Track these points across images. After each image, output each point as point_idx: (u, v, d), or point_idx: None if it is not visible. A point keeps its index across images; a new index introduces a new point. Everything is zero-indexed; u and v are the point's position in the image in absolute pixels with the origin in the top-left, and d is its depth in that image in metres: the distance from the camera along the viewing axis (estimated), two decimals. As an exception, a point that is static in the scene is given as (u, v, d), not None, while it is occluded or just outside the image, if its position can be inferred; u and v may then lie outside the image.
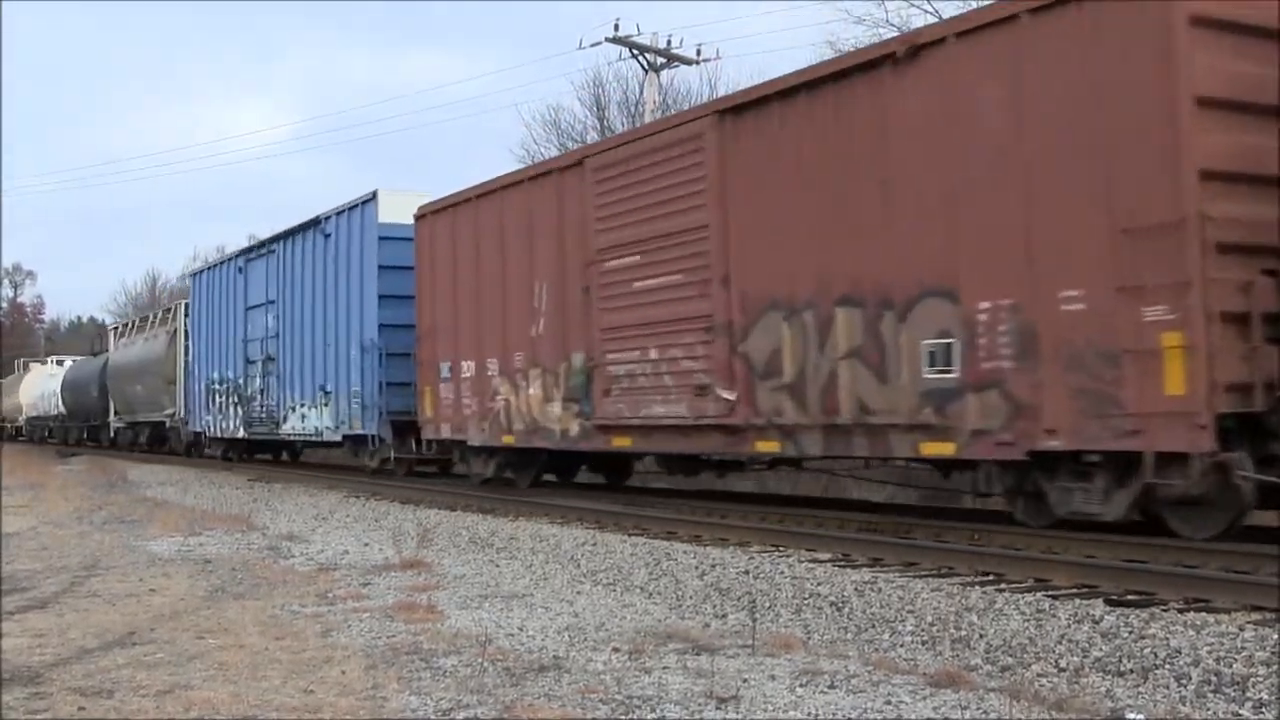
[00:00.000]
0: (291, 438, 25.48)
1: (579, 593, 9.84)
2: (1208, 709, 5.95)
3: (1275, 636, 6.77)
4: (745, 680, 6.61)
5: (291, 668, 7.07)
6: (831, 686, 6.48)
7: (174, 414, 33.73)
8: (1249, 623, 7.22)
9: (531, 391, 16.30)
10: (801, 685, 6.51)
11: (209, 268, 31.24)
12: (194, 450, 33.06)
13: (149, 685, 6.72)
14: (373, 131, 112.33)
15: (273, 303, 25.42)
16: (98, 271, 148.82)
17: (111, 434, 43.10)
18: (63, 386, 50.77)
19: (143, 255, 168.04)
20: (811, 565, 10.17)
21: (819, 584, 9.22)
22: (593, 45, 30.13)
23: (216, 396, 29.26)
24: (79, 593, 10.37)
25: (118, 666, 7.26)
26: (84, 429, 48.54)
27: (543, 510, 15.58)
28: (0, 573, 11.54)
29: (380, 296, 20.53)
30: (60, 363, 59.81)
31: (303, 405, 23.64)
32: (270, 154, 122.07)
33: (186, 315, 32.86)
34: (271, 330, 25.44)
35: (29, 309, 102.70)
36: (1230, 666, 6.35)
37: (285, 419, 24.60)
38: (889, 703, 6.14)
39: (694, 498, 16.29)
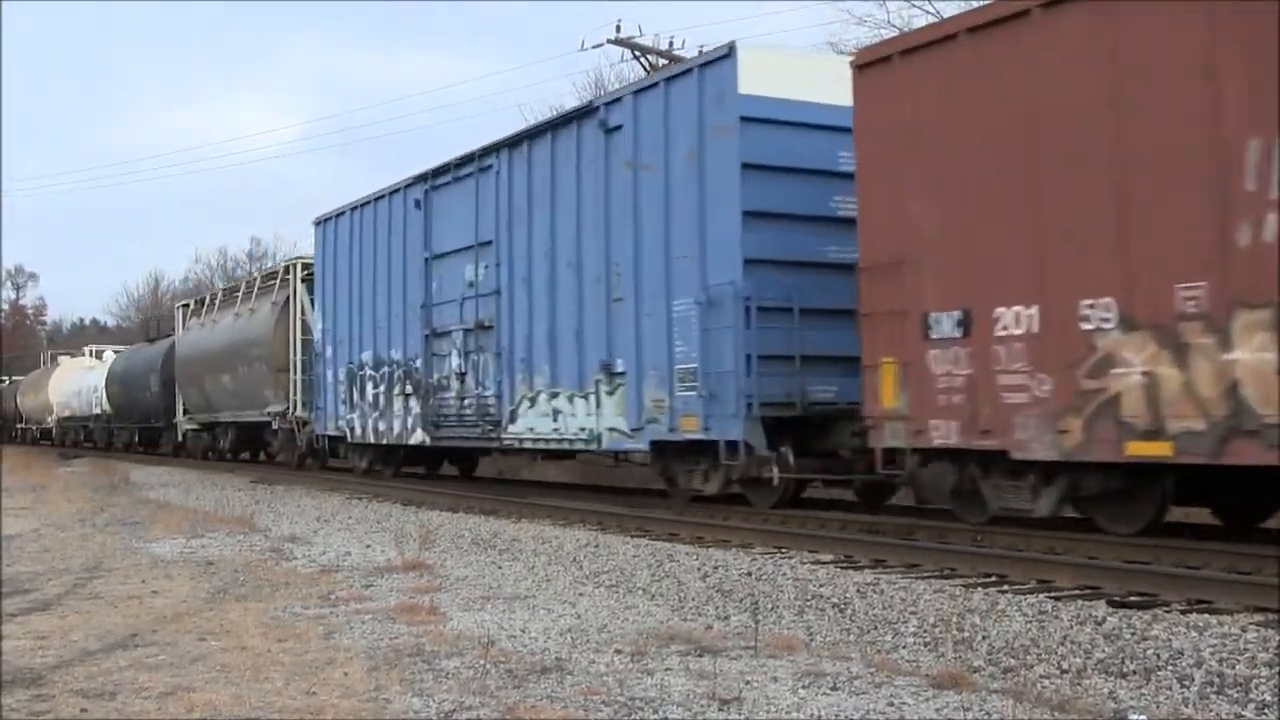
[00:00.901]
0: (528, 443, 17.00)
1: (581, 594, 9.84)
2: (1210, 710, 5.94)
3: (1278, 638, 6.77)
4: (748, 682, 6.61)
5: (294, 669, 7.07)
6: (834, 688, 6.48)
7: (284, 412, 26.16)
8: (1251, 624, 7.22)
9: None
10: (804, 687, 6.50)
11: (353, 208, 22.42)
12: (314, 459, 25.98)
13: (151, 687, 6.72)
14: (378, 132, 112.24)
15: (488, 244, 17.68)
16: (99, 274, 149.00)
17: (179, 437, 35.75)
18: (108, 380, 43.65)
19: (145, 257, 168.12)
20: (814, 567, 10.17)
21: (821, 585, 9.22)
22: (595, 46, 30.06)
23: (367, 387, 21.37)
24: (81, 594, 10.37)
25: (120, 668, 7.26)
26: (137, 431, 41.34)
27: (545, 512, 15.58)
28: (0, 575, 11.55)
29: (745, 215, 13.13)
30: (99, 355, 53.31)
31: (551, 396, 16.19)
32: (274, 155, 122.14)
33: (305, 278, 25.39)
34: (486, 285, 17.73)
35: (30, 311, 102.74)
36: (1233, 668, 6.35)
37: (513, 417, 17.02)
38: (891, 704, 6.13)
39: (695, 500, 16.28)
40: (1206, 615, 7.55)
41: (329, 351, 23.30)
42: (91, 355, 55.04)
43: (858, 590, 8.92)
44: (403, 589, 10.15)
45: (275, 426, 27.06)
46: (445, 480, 23.48)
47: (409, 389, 19.91)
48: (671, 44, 29.89)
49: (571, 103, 47.96)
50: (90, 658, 7.61)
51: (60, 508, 19.96)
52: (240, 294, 30.15)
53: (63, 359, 60.17)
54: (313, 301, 24.80)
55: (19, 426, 62.72)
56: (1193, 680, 6.31)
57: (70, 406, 51.27)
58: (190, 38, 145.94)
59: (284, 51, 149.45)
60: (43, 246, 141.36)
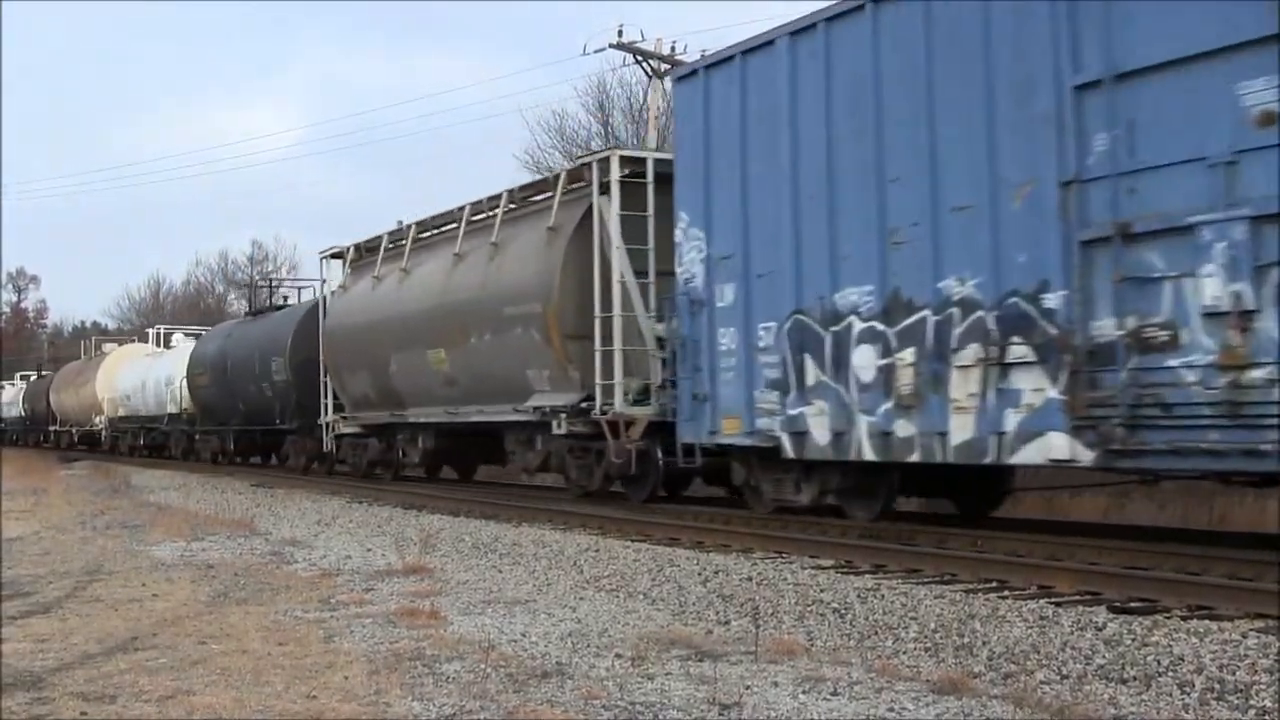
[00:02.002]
0: None
1: (582, 599, 9.84)
2: (1211, 717, 5.93)
3: (1278, 644, 6.76)
4: (748, 687, 6.60)
5: (294, 673, 7.07)
6: (834, 693, 6.48)
7: (578, 404, 16.19)
8: (1252, 630, 7.22)
9: None
10: (804, 692, 6.50)
11: (800, 30, 12.73)
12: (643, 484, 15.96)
13: (151, 690, 6.72)
14: (382, 136, 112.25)
15: None
16: (101, 277, 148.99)
17: (328, 446, 24.43)
18: (193, 368, 33.34)
19: (146, 260, 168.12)
20: (814, 572, 10.17)
21: (822, 590, 9.22)
22: (597, 51, 30.04)
23: (853, 353, 12.05)
24: (81, 598, 10.37)
25: (120, 671, 7.25)
26: (240, 436, 30.99)
27: (546, 516, 15.58)
28: (0, 577, 11.55)
29: None
30: (166, 340, 45.09)
31: None
32: (278, 159, 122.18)
33: (655, 177, 15.56)
34: None
35: (31, 314, 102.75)
36: (1233, 674, 6.34)
37: None
38: (892, 709, 6.13)
39: (697, 503, 16.29)
40: (1207, 621, 7.54)
41: (728, 296, 13.60)
42: (157, 340, 46.41)
43: (858, 595, 8.92)
44: (403, 593, 10.14)
45: (559, 429, 16.38)
46: (446, 484, 23.49)
47: (1013, 350, 10.44)
48: (673, 48, 29.92)
49: (574, 108, 47.64)
50: (90, 661, 7.61)
51: (61, 511, 19.97)
52: (461, 226, 19.27)
53: (108, 346, 52.06)
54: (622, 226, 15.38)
55: (52, 429, 55.19)
56: (1193, 686, 6.30)
57: (129, 404, 42.16)
58: (196, 41, 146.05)
59: (287, 55, 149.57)
60: (44, 249, 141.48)
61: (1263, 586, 8.21)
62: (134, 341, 53.78)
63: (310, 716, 6.12)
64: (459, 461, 23.92)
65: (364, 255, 23.82)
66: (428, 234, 21.25)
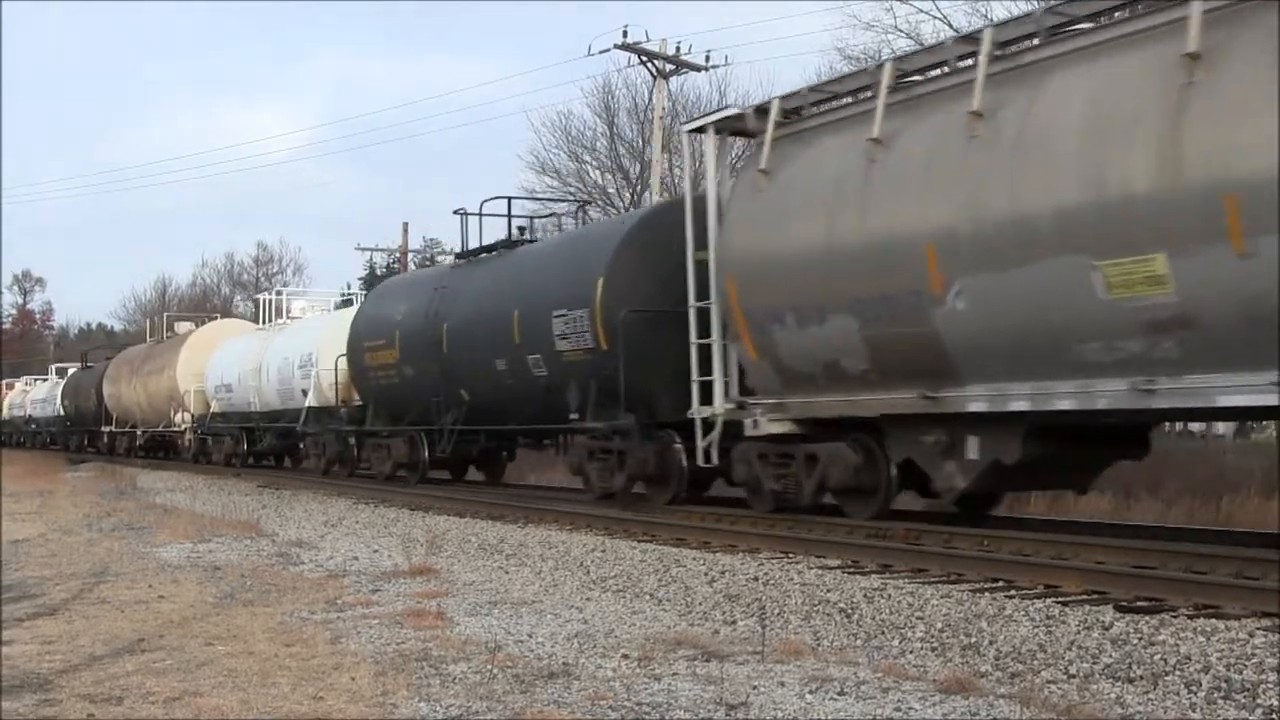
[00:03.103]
0: None
1: (588, 599, 9.84)
2: (1218, 716, 5.93)
3: (1286, 643, 6.75)
4: (755, 687, 6.60)
5: (301, 674, 7.08)
6: (841, 693, 6.47)
7: None
8: (1259, 629, 7.21)
9: None
10: (811, 692, 6.50)
11: None
12: None
13: (158, 692, 6.72)
14: (387, 137, 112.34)
15: None
16: (108, 279, 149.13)
17: (706, 458, 14.22)
18: (364, 339, 22.68)
19: (152, 262, 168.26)
20: (821, 572, 10.17)
21: (828, 591, 9.21)
22: (602, 52, 30.08)
23: None
24: (88, 599, 10.38)
25: (127, 673, 7.26)
26: (471, 443, 20.67)
27: (552, 517, 15.58)
28: (1, 579, 11.57)
29: None
30: (278, 312, 33.17)
31: None
32: (284, 160, 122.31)
33: None
34: None
35: (38, 316, 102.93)
36: (1240, 673, 6.33)
37: None
38: (898, 709, 6.13)
39: (704, 504, 16.28)
40: (1214, 620, 7.53)
41: None
42: (265, 312, 34.11)
43: (865, 595, 8.91)
44: (409, 594, 10.15)
45: None
46: (451, 485, 23.50)
47: None
48: (678, 49, 29.95)
49: (579, 108, 47.69)
50: (97, 662, 7.62)
51: (67, 512, 19.99)
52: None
53: (183, 325, 41.61)
54: None
55: (107, 431, 44.70)
56: (1200, 685, 6.29)
57: (228, 398, 31.91)
58: (201, 42, 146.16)
59: (295, 57, 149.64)
60: (50, 251, 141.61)
61: (1269, 585, 8.20)
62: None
63: (317, 718, 6.13)
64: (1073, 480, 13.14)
65: (788, 121, 13.67)
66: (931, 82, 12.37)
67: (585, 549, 12.31)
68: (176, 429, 36.75)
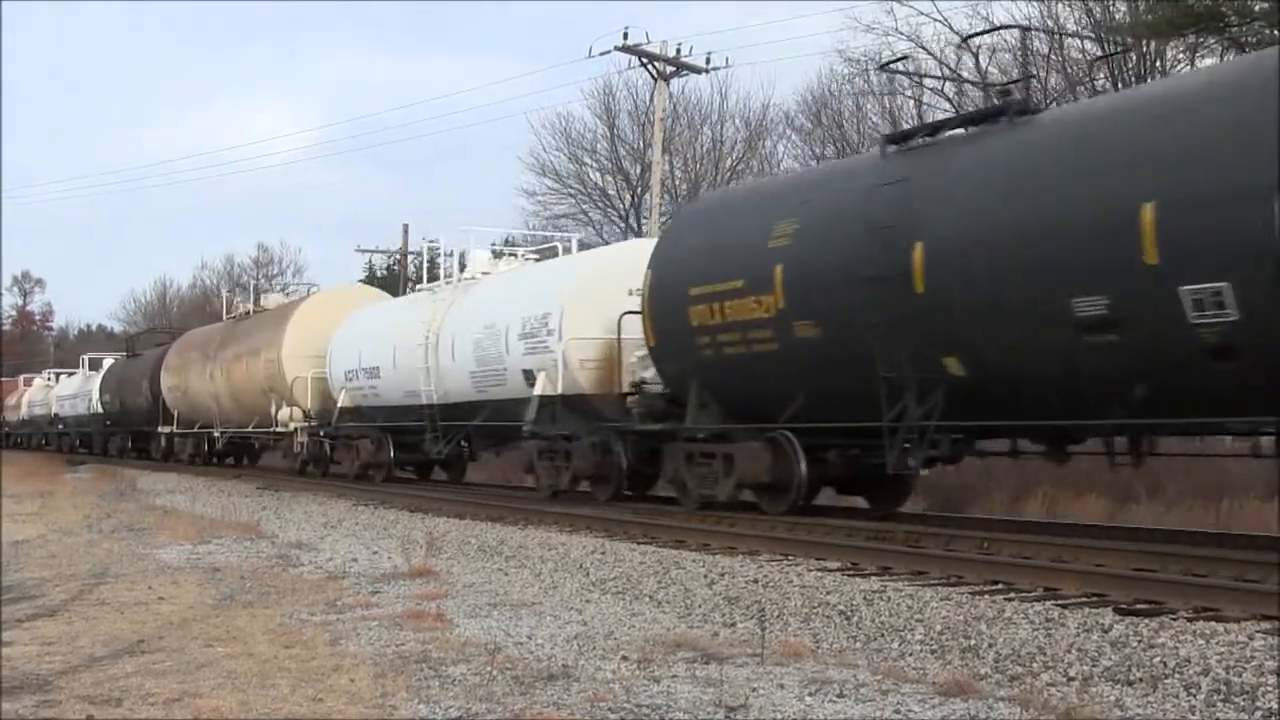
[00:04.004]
0: None
1: (588, 601, 9.84)
2: (1217, 718, 5.93)
3: (1285, 646, 6.74)
4: (754, 689, 6.60)
5: (300, 676, 7.08)
6: (840, 695, 6.48)
7: None
8: (1258, 632, 7.21)
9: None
10: (810, 694, 6.50)
11: None
12: None
13: (158, 693, 6.72)
14: (388, 139, 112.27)
15: None
16: (108, 280, 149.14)
17: None
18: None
19: (153, 264, 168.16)
20: (820, 574, 10.17)
21: (828, 593, 9.21)
22: (602, 54, 30.06)
23: None
24: (88, 600, 10.38)
25: (126, 674, 7.26)
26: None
27: (551, 519, 15.58)
28: (1, 580, 11.57)
29: None
30: (454, 271, 23.42)
31: None
32: (285, 162, 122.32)
33: None
34: None
35: (38, 317, 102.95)
36: (1240, 676, 6.34)
37: None
38: (898, 712, 6.13)
39: (702, 506, 16.28)
40: (1213, 623, 7.54)
41: None
42: (452, 272, 23.35)
43: (864, 598, 8.91)
44: (409, 595, 10.15)
45: None
46: (450, 486, 23.49)
47: None
48: (679, 51, 29.95)
49: (579, 110, 47.75)
50: (97, 664, 7.62)
51: (67, 514, 19.99)
52: None
53: (273, 298, 34.17)
54: None
55: (166, 433, 36.91)
56: (1199, 688, 6.30)
57: (371, 388, 23.77)
58: (201, 43, 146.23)
59: (295, 58, 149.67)
60: (49, 252, 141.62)
61: (1269, 588, 8.20)
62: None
63: (316, 719, 6.13)
64: None
65: None
66: None
67: (584, 551, 12.31)
68: (279, 429, 27.52)
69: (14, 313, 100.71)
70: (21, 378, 69.46)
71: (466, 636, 8.23)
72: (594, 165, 44.55)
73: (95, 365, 51.12)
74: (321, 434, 26.27)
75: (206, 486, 26.60)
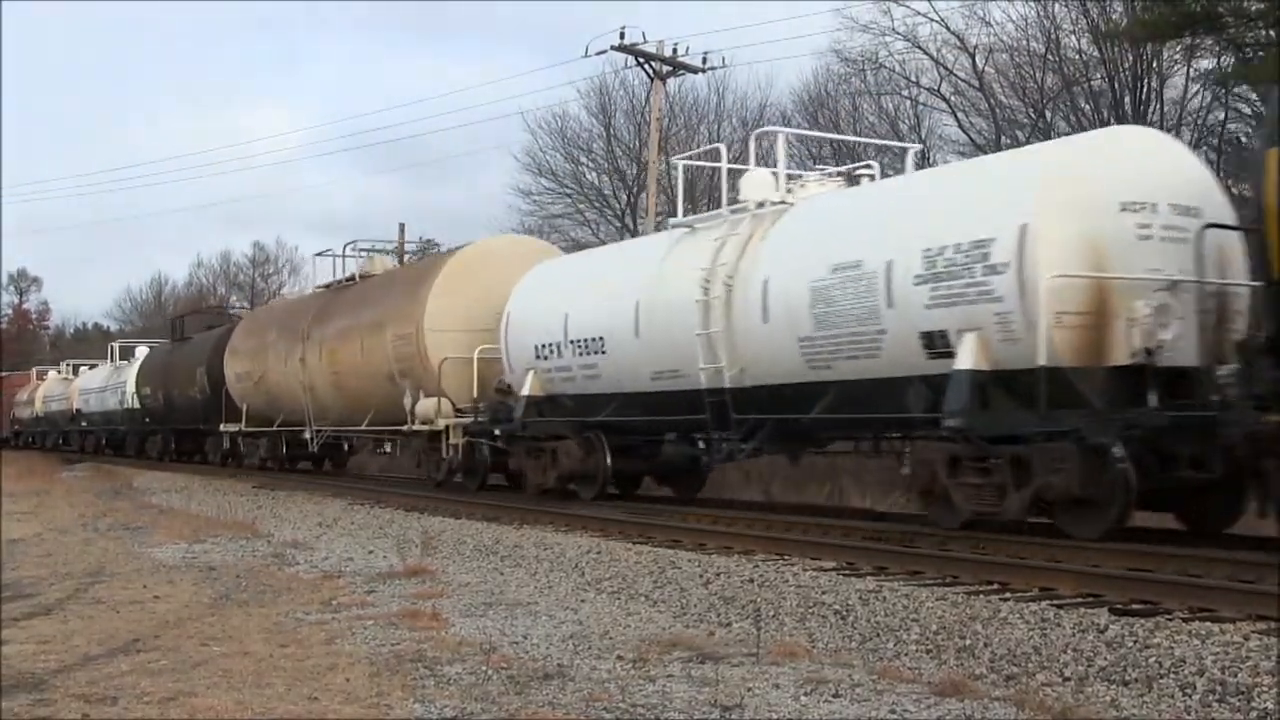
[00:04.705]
0: None
1: (583, 601, 9.84)
2: (1212, 719, 5.94)
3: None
4: (750, 689, 6.60)
5: (296, 675, 7.07)
6: (836, 695, 6.48)
7: None
8: (1254, 632, 7.22)
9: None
10: (806, 694, 6.50)
11: None
12: None
13: (153, 692, 6.72)
14: (384, 138, 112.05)
15: None
16: (103, 279, 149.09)
17: None
18: None
19: (149, 262, 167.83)
20: (816, 574, 10.17)
21: (823, 592, 9.22)
22: (599, 53, 30.00)
23: None
24: (83, 599, 10.38)
25: (122, 673, 7.26)
26: None
27: (547, 518, 15.58)
28: (0, 578, 11.56)
29: None
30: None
31: None
32: (281, 160, 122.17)
33: None
34: None
35: (34, 315, 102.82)
36: (1235, 676, 6.34)
37: None
38: (893, 712, 6.13)
39: (699, 505, 16.30)
40: (1209, 623, 7.54)
41: None
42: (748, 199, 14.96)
43: (860, 597, 8.92)
44: (405, 595, 10.15)
45: None
46: (451, 487, 23.48)
47: None
48: (675, 51, 29.92)
49: (575, 109, 47.76)
50: (92, 662, 7.61)
51: (63, 513, 19.98)
52: None
53: (381, 260, 26.58)
54: None
55: (228, 431, 30.18)
56: (1195, 689, 6.30)
57: (606, 370, 16.56)
58: (199, 42, 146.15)
59: (292, 57, 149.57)
60: (45, 251, 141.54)
61: (1264, 589, 8.20)
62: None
63: (312, 718, 6.13)
64: None
65: None
66: None
67: (580, 551, 12.31)
68: (415, 427, 20.56)
69: (10, 311, 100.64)
70: (34, 370, 62.98)
71: (462, 636, 8.23)
72: (590, 165, 44.49)
73: (127, 354, 43.98)
74: (496, 433, 18.99)
75: (202, 485, 26.55)
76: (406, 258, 37.64)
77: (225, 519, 18.05)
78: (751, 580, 9.92)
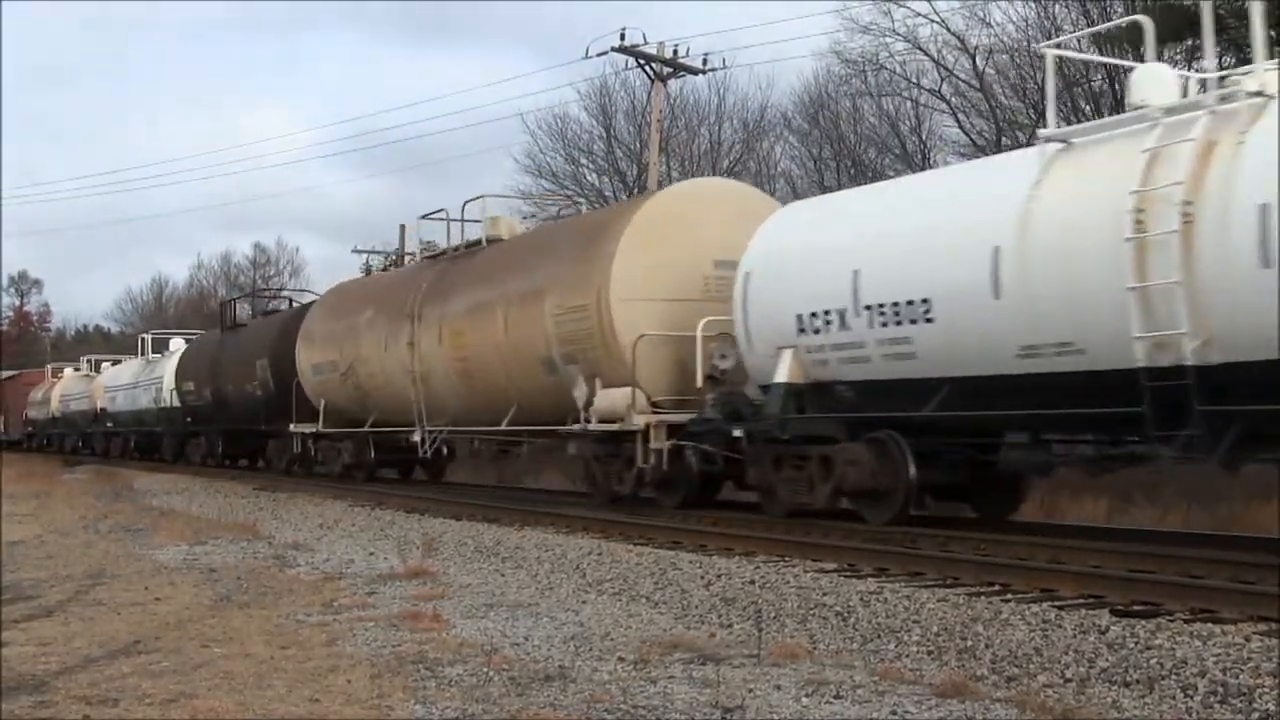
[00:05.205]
0: None
1: (584, 602, 9.84)
2: (1214, 720, 5.94)
3: (1282, 647, 6.73)
4: (751, 690, 6.60)
5: (297, 677, 7.07)
6: (837, 696, 6.48)
7: None
8: (1255, 633, 7.21)
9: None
10: (807, 695, 6.50)
11: None
12: None
13: (154, 694, 6.72)
14: (387, 139, 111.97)
15: None
16: (101, 281, 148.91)
17: None
18: None
19: (149, 265, 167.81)
20: (817, 575, 10.16)
21: (824, 594, 9.21)
22: (599, 55, 30.00)
23: None
24: (84, 601, 10.37)
25: (123, 675, 7.26)
26: None
27: (548, 519, 15.58)
28: (0, 580, 11.56)
29: None
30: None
31: None
32: (279, 162, 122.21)
33: None
34: None
35: (35, 317, 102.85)
36: (1237, 677, 6.34)
37: None
38: (894, 713, 6.13)
39: (700, 507, 16.28)
40: (1210, 625, 7.54)
41: None
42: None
43: (861, 599, 8.91)
44: (406, 596, 10.15)
45: None
46: (449, 488, 23.47)
47: None
48: (676, 52, 29.93)
49: (576, 110, 47.86)
50: (93, 664, 7.61)
51: (64, 515, 19.98)
52: None
53: (502, 223, 20.63)
54: None
55: (300, 432, 25.47)
56: (1196, 690, 6.30)
57: (912, 349, 12.01)
58: (198, 44, 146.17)
59: (293, 58, 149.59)
60: (45, 253, 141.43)
61: (1265, 590, 8.20)
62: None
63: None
64: None
65: None
66: None
67: (582, 552, 12.30)
68: (602, 426, 15.64)
69: (11, 313, 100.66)
70: (49, 367, 58.99)
71: (463, 637, 8.23)
72: (590, 166, 44.40)
73: (160, 347, 40.63)
74: (736, 434, 14.14)
75: (203, 487, 26.55)
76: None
77: (226, 521, 18.06)
78: (753, 581, 9.92)
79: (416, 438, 20.61)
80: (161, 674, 7.26)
